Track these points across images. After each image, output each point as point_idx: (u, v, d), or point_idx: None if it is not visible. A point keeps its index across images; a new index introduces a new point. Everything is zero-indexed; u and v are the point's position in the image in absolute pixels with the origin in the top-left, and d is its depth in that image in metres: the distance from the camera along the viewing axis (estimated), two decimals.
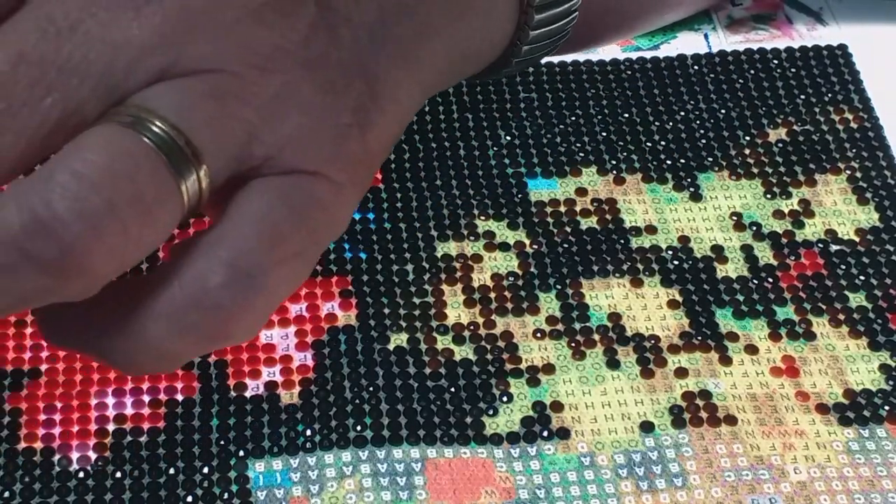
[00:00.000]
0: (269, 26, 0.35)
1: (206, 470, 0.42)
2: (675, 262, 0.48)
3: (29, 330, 0.45)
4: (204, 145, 0.34)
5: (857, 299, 0.47)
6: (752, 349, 0.45)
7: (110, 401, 0.43)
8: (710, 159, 0.51)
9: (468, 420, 0.43)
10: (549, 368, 0.45)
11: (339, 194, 0.36)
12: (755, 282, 0.47)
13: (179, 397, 0.44)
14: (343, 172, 0.36)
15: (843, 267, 0.48)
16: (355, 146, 0.37)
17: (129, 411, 0.43)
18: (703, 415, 0.44)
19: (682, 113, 0.52)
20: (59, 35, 0.33)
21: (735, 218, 0.49)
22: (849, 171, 0.50)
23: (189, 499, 0.41)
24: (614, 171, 0.50)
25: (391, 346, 0.45)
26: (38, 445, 0.42)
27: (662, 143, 0.51)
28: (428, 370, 0.45)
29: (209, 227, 0.35)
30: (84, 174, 0.32)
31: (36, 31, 0.33)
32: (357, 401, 0.44)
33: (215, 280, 0.34)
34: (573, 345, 0.45)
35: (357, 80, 0.37)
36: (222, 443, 0.43)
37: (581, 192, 0.50)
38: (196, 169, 0.34)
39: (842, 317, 0.46)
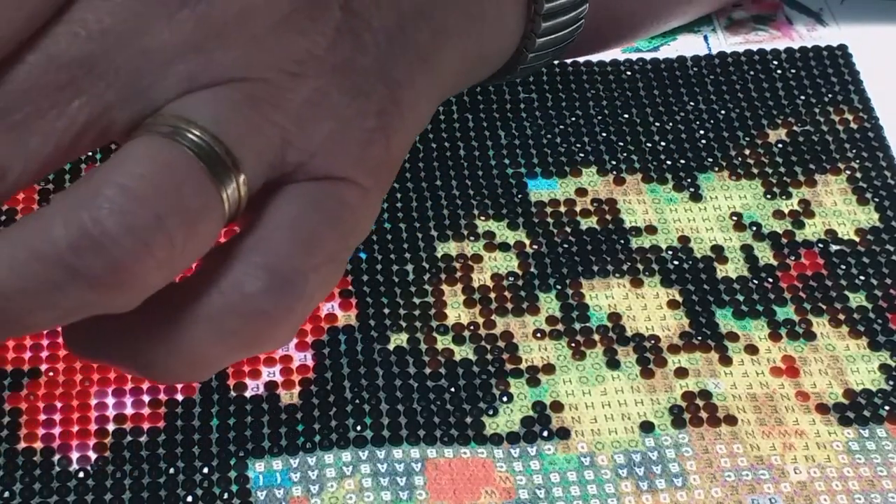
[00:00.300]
0: (300, 32, 0.35)
1: (206, 470, 0.42)
2: (675, 263, 0.48)
3: None
4: (242, 153, 0.34)
5: (857, 299, 0.47)
6: (752, 349, 0.45)
7: (110, 401, 0.43)
8: (710, 159, 0.51)
9: (468, 420, 0.43)
10: (549, 368, 0.45)
11: (365, 198, 0.37)
12: (755, 282, 0.47)
13: (179, 397, 0.44)
14: (369, 177, 0.37)
15: (844, 267, 0.48)
16: (379, 151, 0.37)
17: (129, 411, 0.43)
18: (703, 415, 0.44)
19: (682, 113, 0.52)
20: (89, 39, 0.33)
21: (735, 218, 0.49)
22: (849, 172, 0.50)
23: (189, 499, 0.41)
24: (614, 172, 0.50)
25: (391, 346, 0.45)
26: (38, 445, 0.42)
27: (662, 143, 0.51)
28: (428, 370, 0.45)
29: (242, 233, 0.35)
30: (130, 187, 0.32)
31: (67, 35, 0.33)
32: (357, 401, 0.44)
33: (254, 285, 0.34)
34: (573, 345, 0.45)
35: (379, 86, 0.37)
36: (222, 443, 0.43)
37: (581, 192, 0.50)
38: (236, 177, 0.34)
39: (842, 317, 0.46)
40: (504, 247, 0.48)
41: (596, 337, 0.45)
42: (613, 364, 0.45)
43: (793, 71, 0.54)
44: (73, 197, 0.32)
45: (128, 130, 0.34)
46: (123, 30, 0.33)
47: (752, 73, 0.54)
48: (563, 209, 0.49)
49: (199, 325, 0.34)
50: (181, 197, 0.32)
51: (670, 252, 0.48)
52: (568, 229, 0.48)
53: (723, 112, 0.52)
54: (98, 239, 0.31)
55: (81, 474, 0.42)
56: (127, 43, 0.33)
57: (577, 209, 0.49)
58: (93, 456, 0.42)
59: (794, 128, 0.52)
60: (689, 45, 0.55)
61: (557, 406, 0.44)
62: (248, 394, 0.44)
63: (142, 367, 0.35)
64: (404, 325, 0.46)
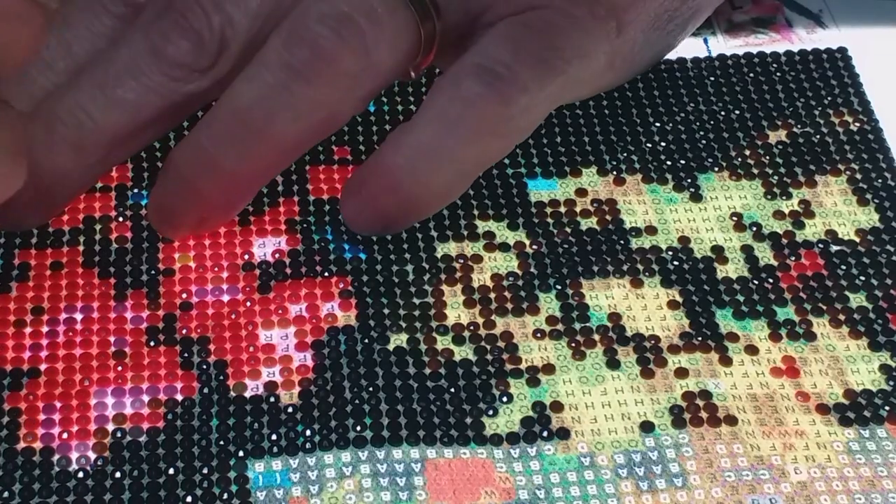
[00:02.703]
0: None
1: (205, 470, 0.42)
2: (676, 263, 0.48)
3: (29, 329, 0.45)
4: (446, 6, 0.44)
5: (857, 300, 0.47)
6: (752, 349, 0.45)
7: (110, 401, 0.43)
8: (711, 160, 0.51)
9: (468, 420, 0.43)
10: (549, 368, 0.45)
11: (575, 23, 0.44)
12: (755, 282, 0.47)
13: (179, 397, 0.44)
14: (579, 7, 0.44)
15: (844, 267, 0.47)
16: None
17: (128, 411, 0.43)
18: (704, 415, 0.43)
19: (682, 114, 0.52)
20: None
21: (735, 218, 0.49)
22: (849, 173, 0.50)
23: (189, 499, 0.41)
24: (614, 172, 0.50)
25: (391, 347, 0.45)
26: (38, 445, 0.42)
27: (662, 143, 0.51)
28: (428, 370, 0.44)
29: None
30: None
31: None
32: (357, 401, 0.43)
33: (468, 79, 0.43)
34: (573, 345, 0.45)
35: None
36: (222, 443, 0.42)
37: (581, 192, 0.50)
38: (436, 19, 0.43)
39: (842, 317, 0.46)
40: (504, 247, 0.48)
41: (596, 337, 0.45)
42: (613, 364, 0.45)
43: (792, 74, 0.54)
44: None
45: None
46: None
47: (751, 75, 0.54)
48: (563, 209, 0.49)
49: (429, 121, 0.43)
50: (371, 7, 0.41)
51: (670, 252, 0.48)
52: (568, 229, 0.48)
53: (723, 113, 0.52)
54: (299, 33, 0.41)
55: (81, 474, 0.42)
56: None
57: (577, 209, 0.49)
58: (92, 456, 0.42)
59: (794, 129, 0.52)
60: (688, 48, 0.55)
61: (557, 406, 0.44)
62: (247, 394, 0.44)
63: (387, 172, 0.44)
64: (404, 325, 0.46)
